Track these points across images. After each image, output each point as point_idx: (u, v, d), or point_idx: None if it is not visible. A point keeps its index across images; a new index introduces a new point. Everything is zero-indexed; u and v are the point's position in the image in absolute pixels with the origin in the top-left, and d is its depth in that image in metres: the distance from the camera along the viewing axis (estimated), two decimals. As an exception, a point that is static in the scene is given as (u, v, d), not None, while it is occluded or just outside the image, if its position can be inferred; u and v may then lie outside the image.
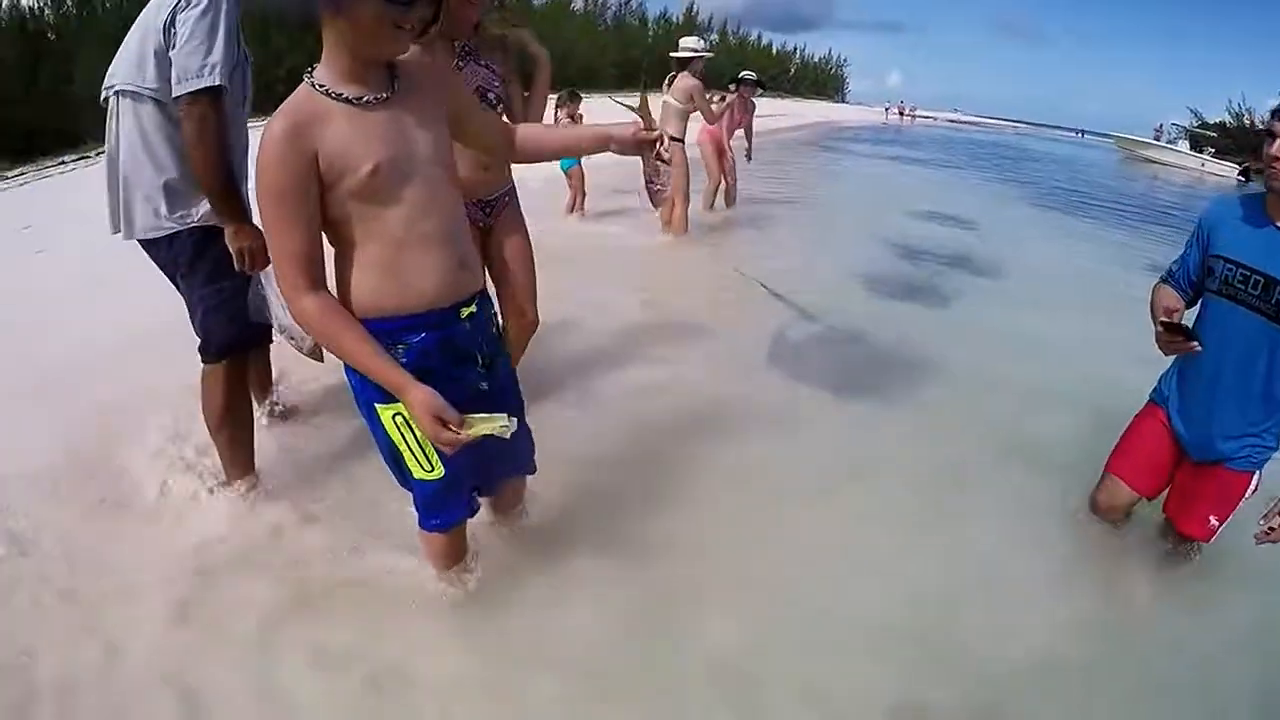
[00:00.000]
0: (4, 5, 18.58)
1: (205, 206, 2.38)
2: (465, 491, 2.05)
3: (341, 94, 1.58)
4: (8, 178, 10.42)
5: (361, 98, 1.60)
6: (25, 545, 2.38)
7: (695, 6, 57.30)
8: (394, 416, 1.79)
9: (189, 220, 2.41)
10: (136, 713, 1.87)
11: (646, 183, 2.02)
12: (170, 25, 2.21)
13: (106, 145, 2.46)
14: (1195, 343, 2.30)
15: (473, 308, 1.87)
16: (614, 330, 4.49)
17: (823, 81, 72.42)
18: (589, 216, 8.06)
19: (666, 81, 7.18)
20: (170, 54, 2.21)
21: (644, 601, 2.33)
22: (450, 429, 1.65)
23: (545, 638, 2.18)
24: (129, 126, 2.37)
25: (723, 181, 8.81)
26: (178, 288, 2.59)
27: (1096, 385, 3.99)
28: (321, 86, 1.58)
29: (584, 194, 8.09)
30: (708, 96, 7.43)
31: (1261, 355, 2.39)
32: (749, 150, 9.53)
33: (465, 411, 1.70)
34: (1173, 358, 2.64)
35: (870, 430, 3.60)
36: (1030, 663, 2.29)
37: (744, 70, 9.31)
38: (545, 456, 2.40)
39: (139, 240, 2.47)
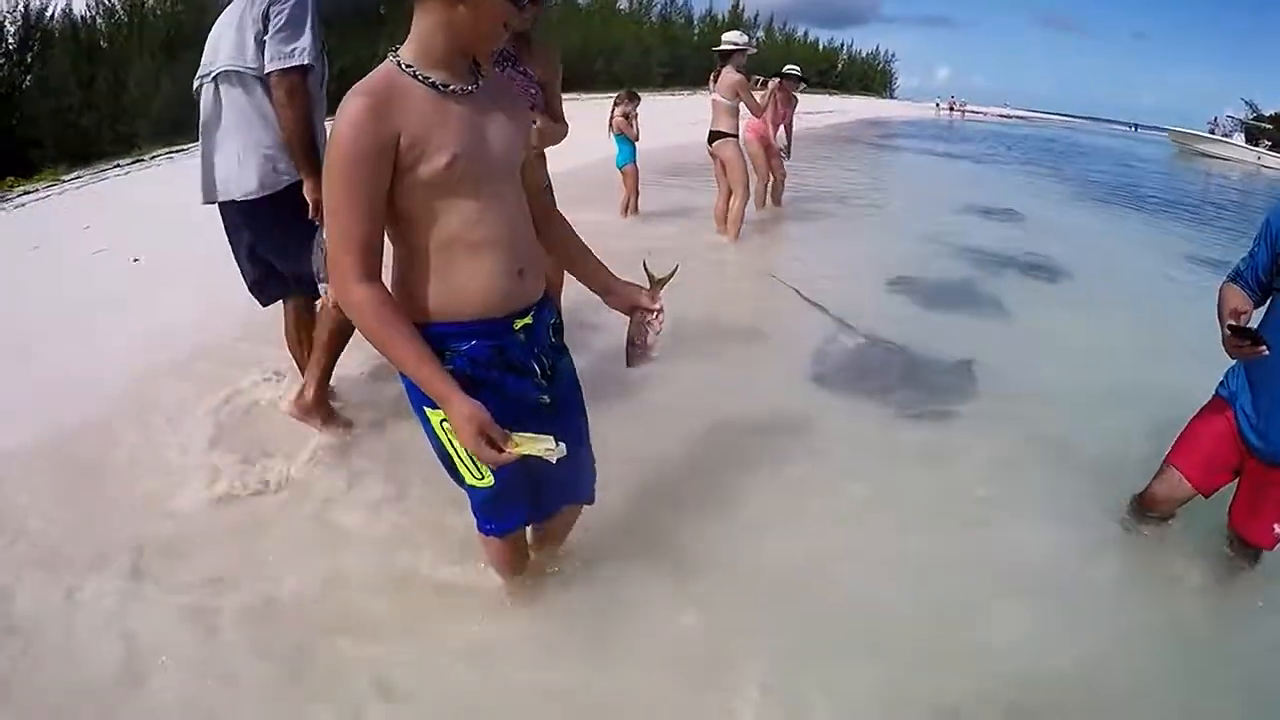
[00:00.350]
0: (55, 14, 19.15)
1: None
2: (521, 499, 1.95)
3: (429, 78, 1.53)
4: (64, 180, 10.74)
5: (449, 85, 1.55)
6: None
7: (741, 4, 57.15)
8: (442, 422, 1.70)
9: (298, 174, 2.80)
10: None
11: (629, 342, 1.99)
12: (266, 14, 2.64)
13: (203, 124, 2.85)
14: (1264, 347, 2.20)
15: (528, 319, 1.77)
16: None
17: (871, 77, 71.80)
18: (642, 216, 8.06)
19: (712, 77, 7.15)
20: (266, 38, 2.64)
21: (694, 618, 2.27)
22: (494, 446, 1.56)
23: (599, 647, 2.14)
24: (240, 102, 2.78)
25: (771, 178, 8.71)
26: (265, 247, 3.00)
27: (1153, 387, 3.81)
28: (409, 67, 1.53)
29: (637, 193, 8.10)
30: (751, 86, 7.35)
31: None
32: (788, 147, 9.35)
33: (522, 427, 1.63)
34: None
35: (914, 439, 3.48)
36: (1076, 670, 2.23)
37: (788, 65, 9.21)
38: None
39: (243, 201, 2.84)
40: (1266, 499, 2.58)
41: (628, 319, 1.99)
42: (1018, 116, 71.42)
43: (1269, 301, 2.49)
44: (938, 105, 61.62)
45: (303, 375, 3.10)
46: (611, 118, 7.98)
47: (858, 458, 3.23)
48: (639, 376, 3.64)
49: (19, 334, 4.05)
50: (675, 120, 12.57)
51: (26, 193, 9.94)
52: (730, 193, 7.12)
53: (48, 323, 4.22)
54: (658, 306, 1.94)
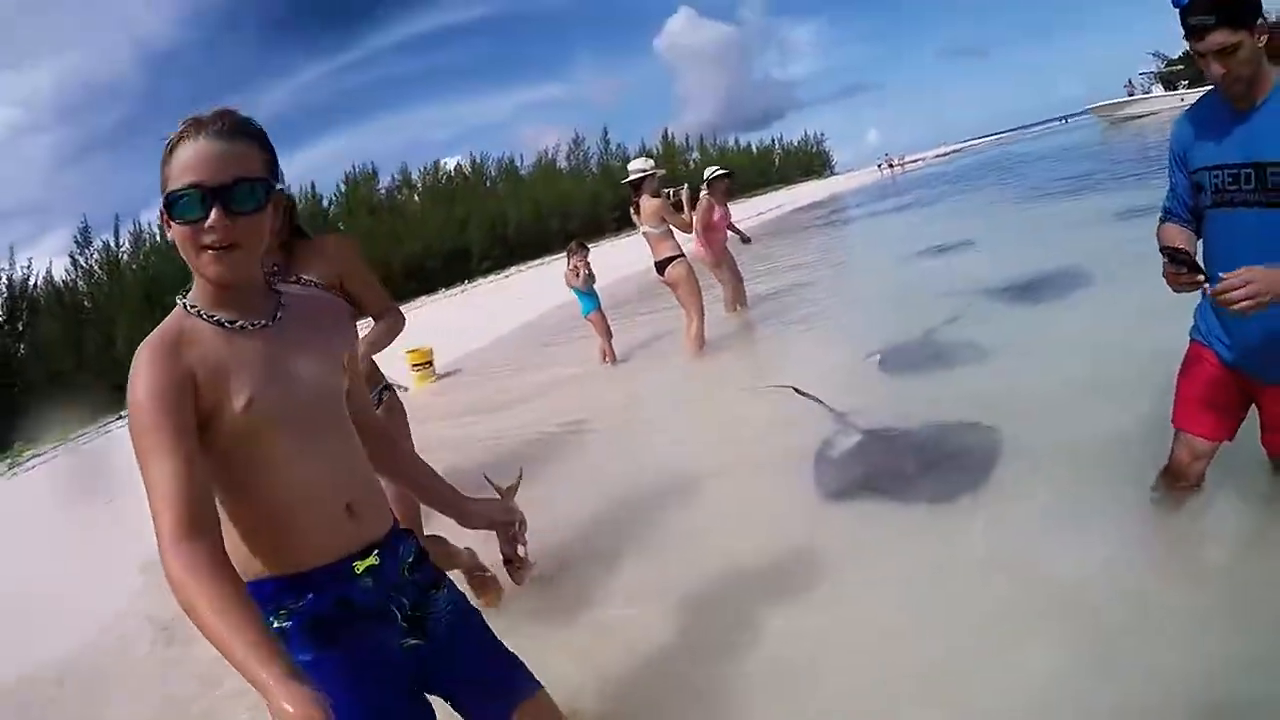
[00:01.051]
0: (38, 282, 20.10)
1: None
2: None
3: (215, 316, 1.41)
4: (70, 439, 11.20)
5: (237, 321, 1.42)
6: None
7: (670, 132, 60.16)
8: None
9: None
10: None
11: (506, 562, 1.90)
12: None
13: None
14: (1202, 276, 2.10)
15: (371, 559, 1.55)
16: (658, 480, 4.35)
17: (809, 162, 74.80)
18: (621, 356, 8.26)
19: (632, 211, 7.10)
20: None
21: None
22: None
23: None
24: None
25: (732, 285, 9.00)
26: None
27: (1146, 359, 3.49)
28: (194, 308, 1.42)
29: (610, 335, 8.26)
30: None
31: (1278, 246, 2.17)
32: (743, 236, 9.51)
33: (395, 684, 1.53)
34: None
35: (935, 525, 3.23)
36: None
37: (708, 170, 9.17)
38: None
39: None
40: None
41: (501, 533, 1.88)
42: (953, 152, 73.90)
43: (1204, 226, 2.40)
44: (879, 166, 63.76)
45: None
46: (567, 268, 8.24)
47: (890, 565, 3.02)
48: (655, 503, 3.93)
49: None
50: (633, 256, 13.13)
51: (36, 455, 10.33)
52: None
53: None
54: (516, 518, 1.87)
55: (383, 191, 48.26)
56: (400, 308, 3.01)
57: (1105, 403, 3.71)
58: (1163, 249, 2.17)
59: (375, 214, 44.77)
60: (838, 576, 2.99)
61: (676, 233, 7.11)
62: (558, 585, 3.43)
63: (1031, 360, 4.84)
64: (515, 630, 2.89)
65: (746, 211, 9.64)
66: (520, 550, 1.89)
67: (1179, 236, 2.39)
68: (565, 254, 8.44)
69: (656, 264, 7.13)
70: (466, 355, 11.55)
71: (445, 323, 16.06)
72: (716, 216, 8.71)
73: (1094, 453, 3.30)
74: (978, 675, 2.27)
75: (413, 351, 9.50)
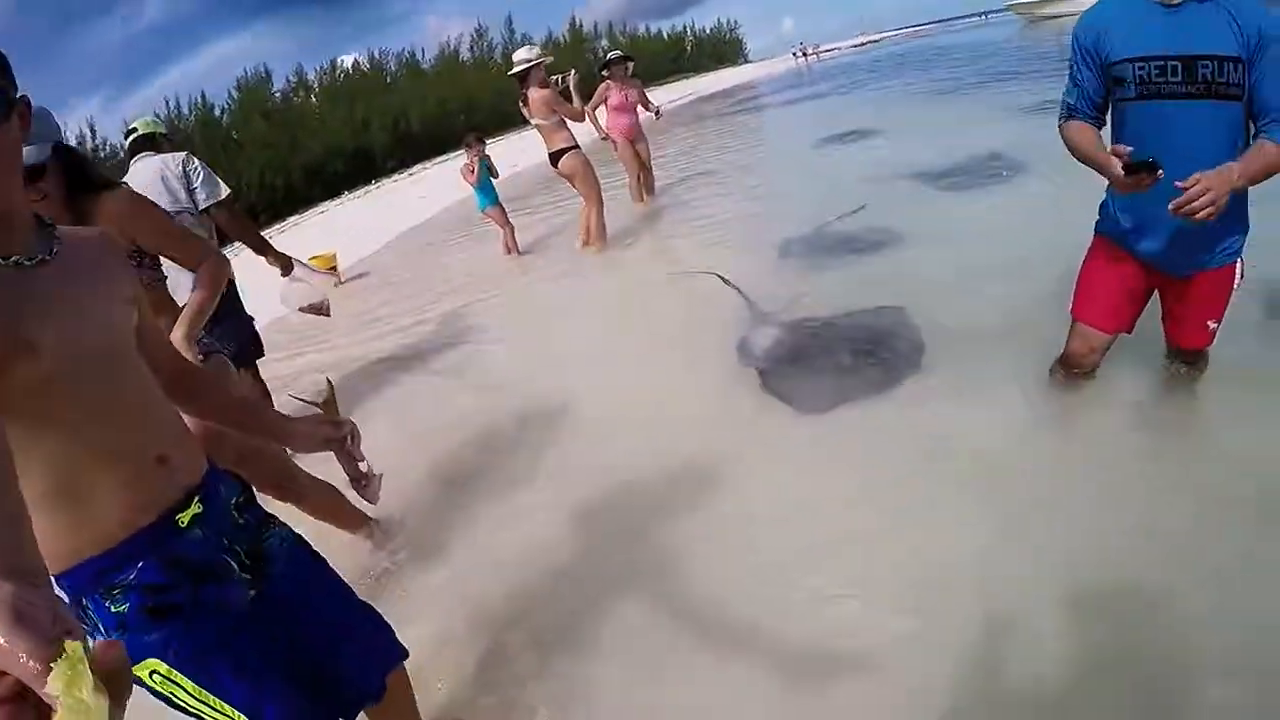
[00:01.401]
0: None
1: None
2: (316, 714, 1.55)
3: None
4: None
5: (8, 257, 1.19)
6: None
7: (577, 20, 58.04)
8: (151, 675, 1.35)
9: None
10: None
11: (352, 483, 1.77)
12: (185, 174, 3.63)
13: None
14: (1161, 171, 2.11)
15: (194, 508, 1.41)
16: (580, 376, 4.31)
17: (722, 50, 73.50)
18: (525, 254, 8.18)
19: (521, 104, 6.86)
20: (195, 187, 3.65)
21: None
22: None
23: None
24: None
25: (640, 172, 8.82)
26: None
27: (1049, 247, 3.69)
28: None
29: (512, 227, 8.21)
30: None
31: (1206, 138, 2.23)
32: (656, 111, 9.16)
33: (241, 643, 1.41)
34: (1106, 185, 2.52)
35: (853, 416, 3.29)
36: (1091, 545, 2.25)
37: (610, 54, 8.80)
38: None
39: None
40: (1190, 303, 2.59)
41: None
42: (869, 42, 73.31)
43: (1115, 118, 2.43)
44: (793, 55, 62.93)
45: None
46: (466, 163, 8.10)
47: (814, 446, 3.14)
48: (570, 397, 3.88)
49: None
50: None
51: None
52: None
53: None
54: (345, 431, 1.69)
55: (278, 96, 45.69)
56: (223, 252, 2.79)
57: (1009, 286, 3.90)
58: (1125, 166, 2.15)
59: (270, 119, 42.46)
60: (761, 460, 3.09)
61: (578, 123, 6.97)
62: (472, 488, 3.40)
63: (940, 246, 5.02)
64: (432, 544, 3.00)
65: (656, 99, 9.47)
66: (362, 465, 1.73)
67: (1089, 134, 2.41)
68: (464, 149, 8.24)
69: (550, 156, 6.98)
70: (373, 255, 11.26)
71: (350, 226, 15.51)
72: (614, 101, 8.43)
73: (999, 334, 3.49)
74: (900, 540, 2.45)
75: (316, 258, 9.21)
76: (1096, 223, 2.71)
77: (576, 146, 6.92)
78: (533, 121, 6.82)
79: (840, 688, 1.98)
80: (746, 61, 74.46)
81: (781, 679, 2.06)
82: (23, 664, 0.56)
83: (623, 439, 3.47)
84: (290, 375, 5.02)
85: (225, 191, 3.74)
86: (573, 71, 7.11)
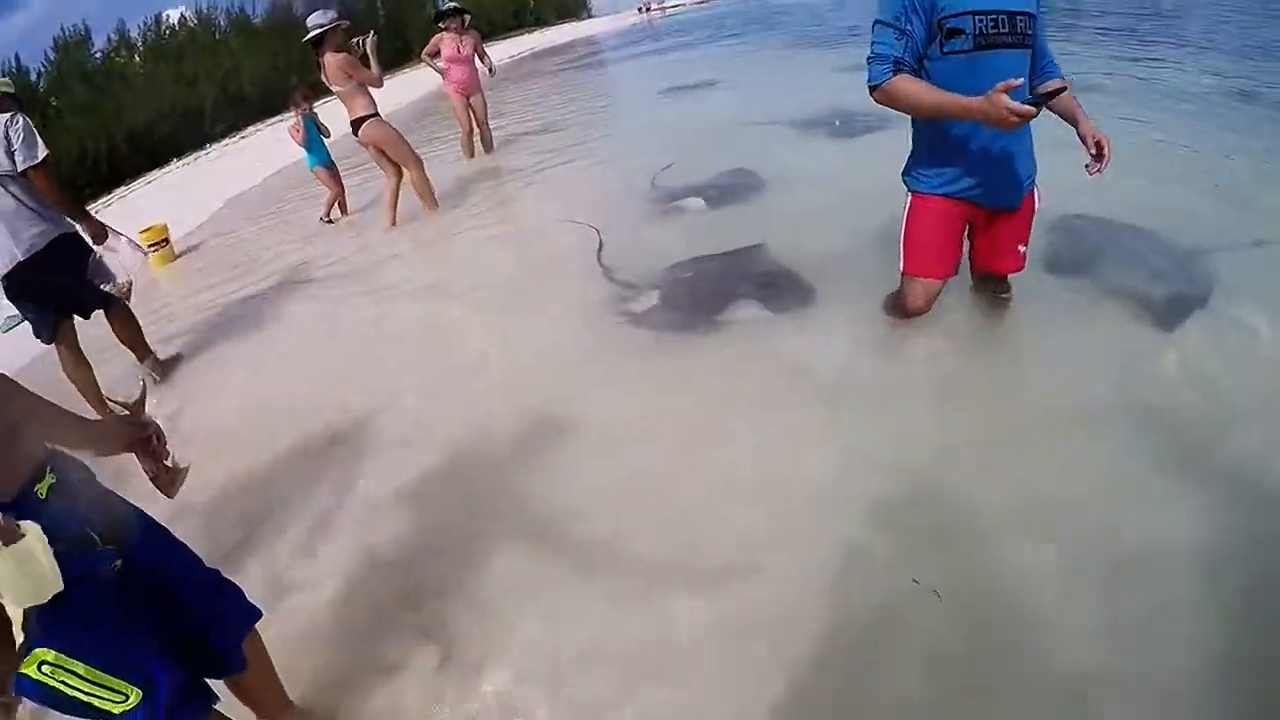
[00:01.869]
0: None
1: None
2: (191, 692, 1.57)
3: None
4: None
5: None
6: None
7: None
8: (40, 667, 1.35)
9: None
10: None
11: (154, 479, 1.74)
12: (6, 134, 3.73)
13: None
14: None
15: (50, 478, 1.42)
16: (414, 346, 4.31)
17: (565, 4, 72.50)
18: (357, 212, 8.10)
19: (320, 71, 6.40)
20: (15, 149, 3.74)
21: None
22: None
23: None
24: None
25: (475, 128, 8.85)
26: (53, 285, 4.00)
27: (879, 192, 3.61)
28: None
29: (342, 188, 8.08)
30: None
31: (1025, 81, 2.46)
32: (490, 67, 9.15)
33: (114, 607, 1.44)
34: (922, 143, 2.80)
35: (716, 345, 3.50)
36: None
37: (447, 3, 8.53)
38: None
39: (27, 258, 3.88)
40: (1002, 234, 2.88)
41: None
42: (715, -1, 73.61)
43: (940, 66, 2.56)
44: (639, 10, 62.64)
45: (88, 400, 4.11)
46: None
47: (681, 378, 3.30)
48: (430, 355, 3.95)
49: None
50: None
51: None
52: (398, 175, 6.83)
53: None
54: (150, 430, 1.70)
55: (99, 56, 42.16)
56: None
57: (842, 229, 4.23)
58: (1038, 97, 2.31)
59: (91, 81, 39.23)
60: (623, 390, 3.29)
61: (377, 89, 6.63)
62: (321, 457, 3.36)
63: (787, 191, 5.37)
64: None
65: (495, 54, 9.42)
66: (167, 461, 1.73)
67: (922, 86, 2.50)
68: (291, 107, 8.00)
69: (350, 124, 6.58)
70: (206, 224, 10.80)
71: (180, 195, 14.70)
72: (448, 52, 8.37)
73: (839, 271, 3.79)
74: (755, 456, 2.69)
75: (146, 231, 8.79)
76: (910, 181, 2.90)
77: (376, 114, 6.58)
78: (334, 88, 6.39)
79: (712, 593, 2.16)
80: (590, 16, 73.70)
81: (646, 584, 2.24)
82: None
83: (481, 393, 3.55)
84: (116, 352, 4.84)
85: (44, 153, 3.80)
86: (371, 34, 6.71)
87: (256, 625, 1.84)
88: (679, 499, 2.57)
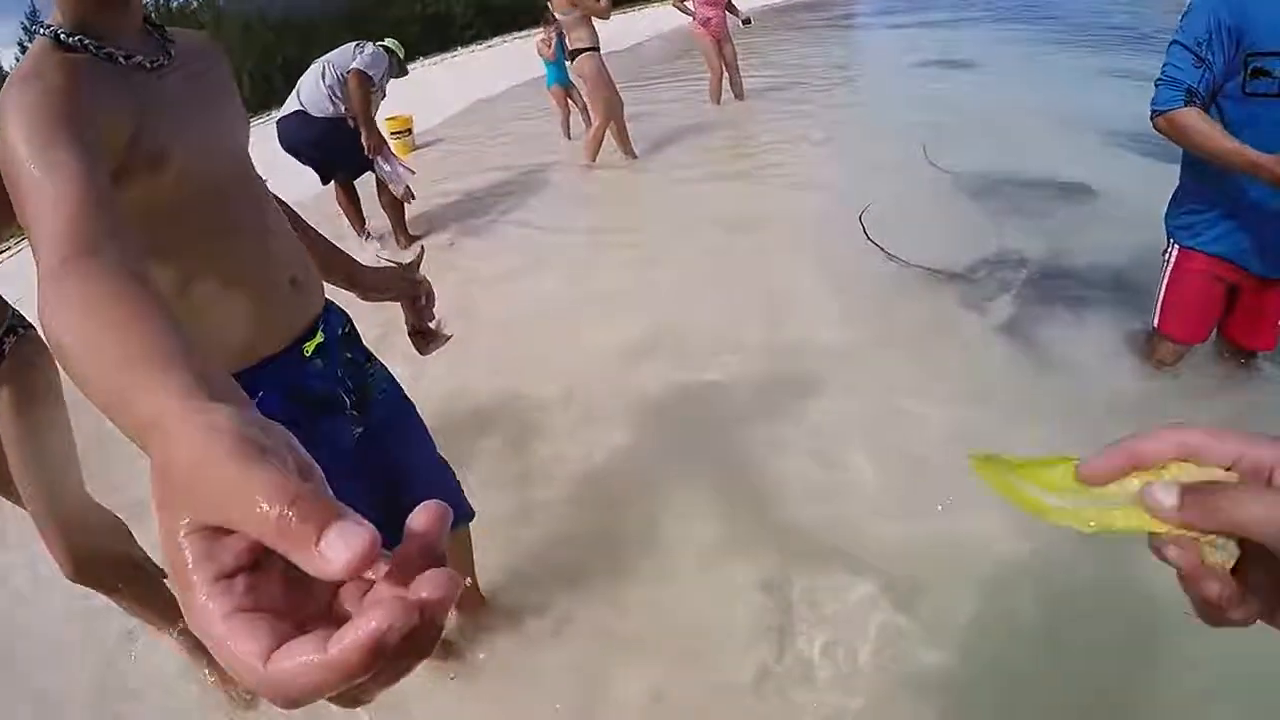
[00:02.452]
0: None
1: None
2: None
3: (102, 48, 1.01)
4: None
5: (131, 57, 1.05)
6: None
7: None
8: None
9: None
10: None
11: (412, 332, 1.77)
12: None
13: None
14: None
15: (318, 337, 1.38)
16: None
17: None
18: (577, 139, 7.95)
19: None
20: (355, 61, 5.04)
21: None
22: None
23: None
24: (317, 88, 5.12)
25: (724, 72, 8.42)
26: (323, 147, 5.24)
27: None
28: (73, 36, 0.99)
29: (568, 111, 8.26)
30: None
31: None
32: (746, 19, 8.73)
33: (341, 482, 1.32)
34: (1201, 190, 2.49)
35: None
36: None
37: None
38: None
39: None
40: (1266, 308, 2.60)
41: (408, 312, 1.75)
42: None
43: (1228, 112, 2.28)
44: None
45: (358, 231, 5.67)
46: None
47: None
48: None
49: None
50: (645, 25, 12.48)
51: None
52: (604, 116, 6.62)
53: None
54: (422, 288, 1.71)
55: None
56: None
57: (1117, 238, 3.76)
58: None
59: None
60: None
61: (603, 19, 6.35)
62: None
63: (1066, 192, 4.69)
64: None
65: (749, 3, 9.05)
66: (431, 324, 1.77)
67: (1211, 127, 2.21)
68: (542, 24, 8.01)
69: (569, 54, 6.46)
70: (444, 123, 11.12)
71: (426, 93, 15.21)
72: None
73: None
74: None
75: (391, 119, 9.11)
76: (1179, 235, 2.63)
77: (595, 49, 6.31)
78: (557, 15, 6.30)
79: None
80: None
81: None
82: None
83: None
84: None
85: (361, 67, 4.96)
86: None
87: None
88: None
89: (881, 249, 4.06)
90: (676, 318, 3.74)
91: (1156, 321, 2.77)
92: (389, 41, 5.38)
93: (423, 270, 1.74)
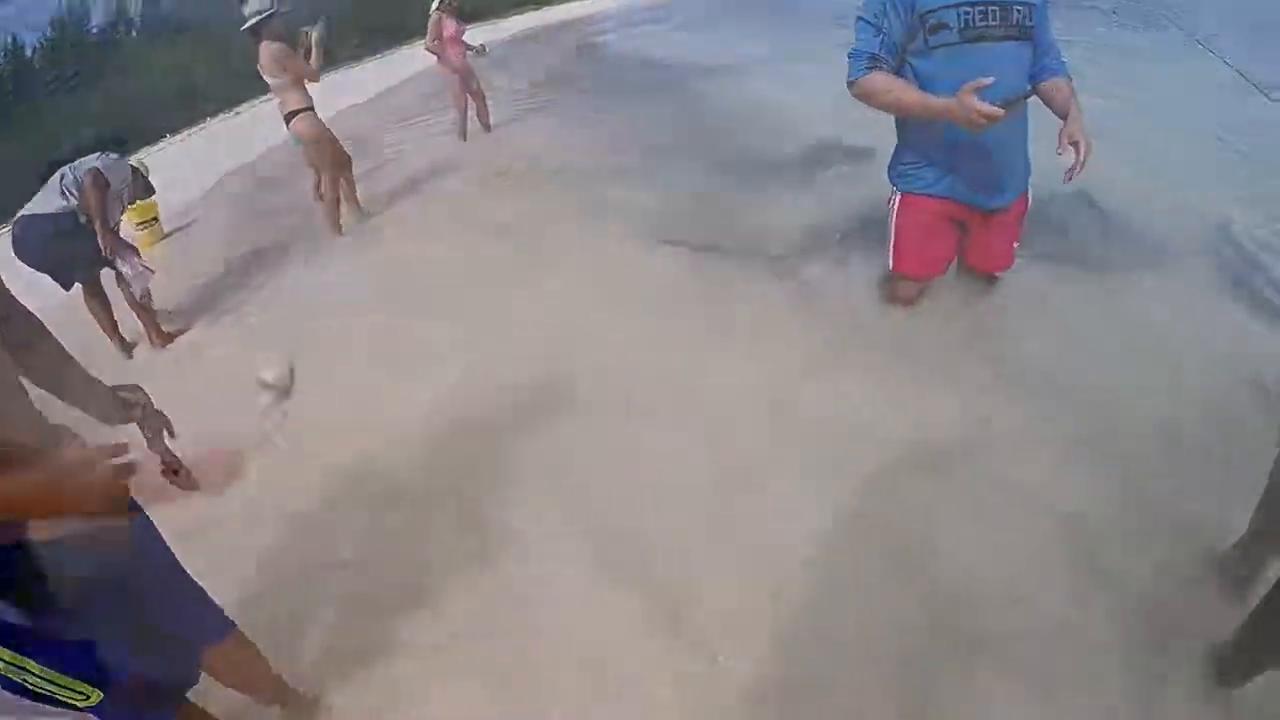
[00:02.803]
0: None
1: None
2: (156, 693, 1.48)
3: None
4: None
5: None
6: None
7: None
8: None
9: None
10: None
11: (172, 473, 1.69)
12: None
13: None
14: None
15: None
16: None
17: (568, -20, 71.68)
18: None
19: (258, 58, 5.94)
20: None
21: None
22: None
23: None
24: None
25: (470, 104, 8.77)
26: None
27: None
28: None
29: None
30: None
31: (1013, 73, 2.43)
32: (480, 48, 8.89)
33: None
34: (911, 141, 2.75)
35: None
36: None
37: None
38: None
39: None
40: (996, 235, 2.84)
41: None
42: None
43: (917, 65, 2.52)
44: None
45: (110, 336, 5.19)
46: None
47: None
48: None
49: None
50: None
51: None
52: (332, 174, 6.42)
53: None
54: (136, 415, 1.58)
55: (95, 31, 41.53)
56: None
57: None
58: (1005, 103, 2.20)
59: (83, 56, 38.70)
60: None
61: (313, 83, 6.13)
62: None
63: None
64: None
65: (496, 34, 9.28)
66: (176, 455, 1.63)
67: (895, 84, 2.48)
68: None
69: (284, 117, 6.12)
70: (196, 203, 10.57)
71: (172, 174, 14.26)
72: (450, 31, 8.30)
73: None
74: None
75: (134, 209, 8.39)
76: (899, 183, 2.87)
77: (310, 109, 6.09)
78: (270, 80, 5.94)
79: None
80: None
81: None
82: None
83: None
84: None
85: (97, 168, 4.79)
86: (319, 22, 6.13)
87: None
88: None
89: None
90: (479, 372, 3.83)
91: (891, 263, 3.00)
92: (136, 160, 5.31)
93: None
